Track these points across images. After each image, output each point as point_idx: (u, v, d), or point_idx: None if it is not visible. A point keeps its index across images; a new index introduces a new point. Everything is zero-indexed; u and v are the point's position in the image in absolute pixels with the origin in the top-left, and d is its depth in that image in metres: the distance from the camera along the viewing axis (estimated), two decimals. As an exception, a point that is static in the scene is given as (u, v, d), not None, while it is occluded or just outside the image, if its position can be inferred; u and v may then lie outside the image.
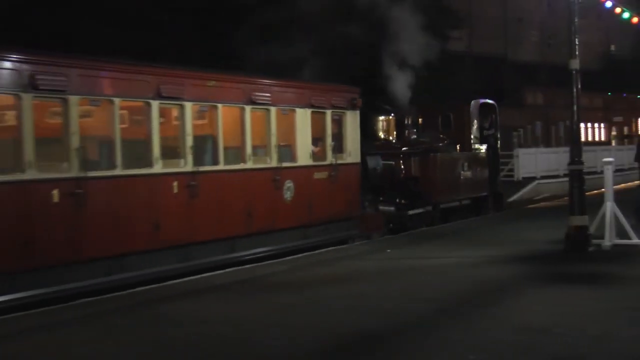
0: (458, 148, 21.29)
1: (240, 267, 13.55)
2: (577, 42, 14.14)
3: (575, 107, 14.14)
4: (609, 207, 14.29)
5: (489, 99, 23.27)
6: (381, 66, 21.26)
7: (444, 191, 20.11)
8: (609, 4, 27.37)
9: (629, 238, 14.33)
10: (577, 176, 13.99)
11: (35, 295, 10.62)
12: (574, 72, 14.08)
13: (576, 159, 14.02)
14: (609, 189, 14.44)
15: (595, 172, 30.42)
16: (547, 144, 52.57)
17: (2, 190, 10.33)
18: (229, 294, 11.25)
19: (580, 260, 13.00)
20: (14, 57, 10.65)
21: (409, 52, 20.81)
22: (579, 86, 14.19)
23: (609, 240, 14.19)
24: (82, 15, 21.19)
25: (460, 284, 11.29)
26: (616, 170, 28.17)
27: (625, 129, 66.49)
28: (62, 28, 20.80)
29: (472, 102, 22.07)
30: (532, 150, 39.64)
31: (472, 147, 21.76)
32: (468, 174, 21.10)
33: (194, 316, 9.68)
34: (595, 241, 13.99)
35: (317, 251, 15.36)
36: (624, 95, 63.51)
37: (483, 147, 22.12)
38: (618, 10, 28.96)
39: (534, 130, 56.04)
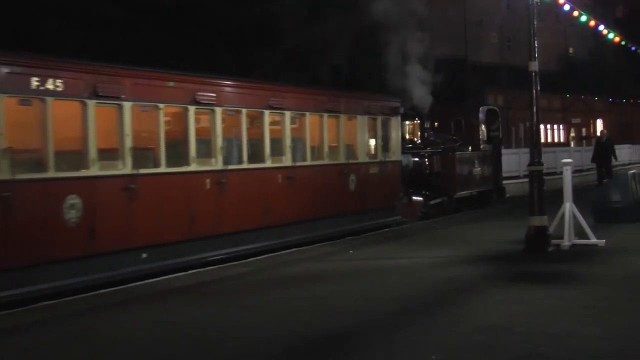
0: (470, 148, 23.92)
1: (202, 269, 13.52)
2: (536, 45, 14.31)
3: (534, 109, 14.31)
4: (568, 207, 14.49)
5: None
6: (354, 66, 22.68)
7: (460, 185, 23.03)
8: (567, 7, 27.74)
9: (588, 238, 14.55)
10: (536, 177, 14.15)
11: (192, 260, 13.65)
12: (533, 74, 14.25)
13: (536, 160, 14.18)
14: (567, 189, 14.64)
15: (554, 173, 30.83)
16: (508, 145, 53.03)
17: (177, 178, 13.59)
18: (191, 296, 11.19)
19: (540, 260, 13.16)
20: (184, 79, 14.10)
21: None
22: (538, 88, 14.36)
23: (568, 240, 14.39)
24: (44, 15, 20.95)
25: (422, 285, 11.37)
26: (575, 171, 28.66)
27: (584, 131, 67.41)
28: (24, 27, 20.55)
29: (480, 107, 25.06)
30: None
31: (481, 147, 24.36)
32: (478, 170, 24.00)
33: (154, 319, 9.64)
34: (554, 241, 14.17)
35: (279, 252, 15.40)
36: (582, 97, 64.36)
37: (489, 147, 24.77)
38: (576, 13, 29.37)
39: (495, 131, 56.38)
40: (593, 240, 14.51)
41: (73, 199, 11.53)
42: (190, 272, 13.23)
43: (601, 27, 35.07)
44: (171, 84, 13.69)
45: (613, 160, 28.01)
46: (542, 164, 14.29)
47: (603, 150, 27.57)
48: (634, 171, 19.02)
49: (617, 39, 38.51)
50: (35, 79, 11.15)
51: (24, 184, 10.91)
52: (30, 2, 20.73)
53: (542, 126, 17.56)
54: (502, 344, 7.89)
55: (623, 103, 69.48)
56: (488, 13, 56.24)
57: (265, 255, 14.94)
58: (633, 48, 43.58)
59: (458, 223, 20.02)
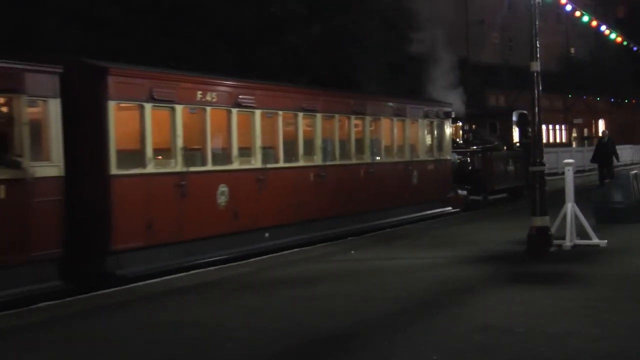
0: (505, 148, 26.26)
1: (203, 270, 13.53)
2: (538, 45, 14.27)
3: (536, 109, 14.27)
4: (570, 207, 14.47)
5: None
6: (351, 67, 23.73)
7: (497, 181, 25.43)
8: (568, 8, 27.71)
9: (589, 238, 14.53)
10: (538, 177, 14.12)
11: (300, 239, 16.52)
12: (535, 74, 14.21)
13: (538, 161, 14.16)
14: (569, 189, 14.62)
15: (556, 174, 30.82)
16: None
17: (291, 172, 16.59)
18: (192, 296, 11.18)
19: (542, 261, 13.14)
20: (295, 91, 17.59)
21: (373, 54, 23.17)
22: (540, 88, 14.33)
23: (569, 240, 14.37)
24: (44, 15, 20.92)
25: (423, 285, 11.36)
26: (577, 172, 28.64)
27: (585, 131, 67.32)
28: (23, 26, 20.51)
29: (514, 112, 27.49)
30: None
31: (514, 147, 26.62)
32: (512, 168, 26.31)
33: (155, 319, 9.63)
34: (556, 241, 14.14)
35: (280, 253, 15.42)
36: (584, 97, 64.28)
37: (521, 148, 26.44)
38: (577, 13, 29.33)
39: (496, 131, 56.29)
40: (595, 240, 14.48)
41: (223, 187, 14.54)
42: (191, 272, 13.24)
43: (603, 28, 35.01)
44: (287, 94, 16.84)
45: (615, 160, 27.96)
46: (544, 165, 14.27)
47: (604, 151, 27.54)
48: (635, 171, 18.98)
49: (619, 39, 38.45)
50: (200, 92, 14.21)
51: (193, 175, 13.88)
52: (30, 2, 20.70)
53: (543, 126, 17.56)
54: (502, 344, 7.88)
55: (625, 103, 69.37)
56: (489, 13, 56.17)
57: (266, 256, 14.95)
58: (635, 48, 43.51)
59: (459, 224, 20.02)
